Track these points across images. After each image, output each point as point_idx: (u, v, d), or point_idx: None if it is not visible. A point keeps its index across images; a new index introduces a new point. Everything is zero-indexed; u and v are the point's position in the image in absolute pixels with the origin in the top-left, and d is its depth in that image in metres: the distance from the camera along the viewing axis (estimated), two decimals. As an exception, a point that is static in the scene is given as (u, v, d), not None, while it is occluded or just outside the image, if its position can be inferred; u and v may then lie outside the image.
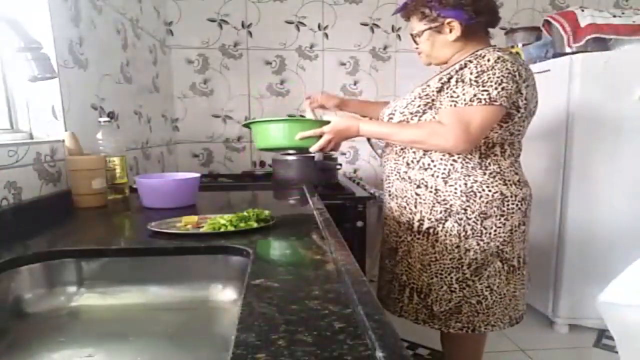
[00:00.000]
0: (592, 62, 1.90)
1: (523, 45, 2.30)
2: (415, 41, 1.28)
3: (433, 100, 1.17)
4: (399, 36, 2.59)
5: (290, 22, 2.52)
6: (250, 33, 2.50)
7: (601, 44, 1.96)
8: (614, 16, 1.96)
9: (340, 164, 2.09)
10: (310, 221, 1.00)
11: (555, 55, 2.08)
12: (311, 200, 1.24)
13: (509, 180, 1.19)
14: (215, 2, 2.44)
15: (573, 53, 1.96)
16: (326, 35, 2.55)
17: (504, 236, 1.20)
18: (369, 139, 1.45)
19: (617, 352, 1.26)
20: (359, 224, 1.70)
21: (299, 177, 1.85)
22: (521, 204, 1.21)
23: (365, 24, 2.57)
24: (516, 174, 1.22)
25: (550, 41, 2.13)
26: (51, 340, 0.70)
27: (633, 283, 1.20)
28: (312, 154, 1.87)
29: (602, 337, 2.01)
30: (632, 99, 1.90)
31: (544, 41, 2.18)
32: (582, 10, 2.00)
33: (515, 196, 1.20)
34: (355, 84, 2.61)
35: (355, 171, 2.69)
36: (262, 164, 2.60)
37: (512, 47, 2.32)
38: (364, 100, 1.56)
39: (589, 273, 1.99)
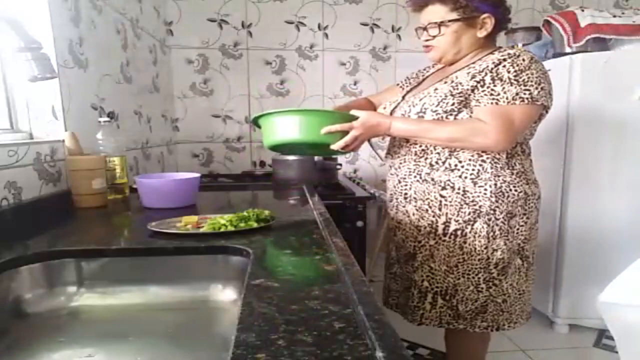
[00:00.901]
0: (592, 62, 1.90)
1: (523, 45, 2.29)
2: (440, 30, 1.16)
3: (467, 98, 1.13)
4: (399, 36, 2.59)
5: (290, 22, 2.52)
6: (250, 33, 2.50)
7: (601, 44, 1.96)
8: (614, 16, 1.96)
9: (340, 164, 2.10)
10: (310, 221, 1.00)
11: (555, 55, 2.08)
12: (311, 200, 1.24)
13: (529, 179, 1.20)
14: (215, 2, 2.44)
15: (573, 53, 1.96)
16: (326, 35, 2.55)
17: (525, 234, 1.21)
18: (368, 139, 1.44)
19: (617, 352, 1.27)
20: (359, 224, 1.70)
21: (299, 177, 1.85)
22: (537, 202, 1.23)
23: (365, 24, 2.57)
24: (532, 172, 1.23)
25: (550, 41, 2.13)
26: (51, 340, 0.70)
27: (633, 283, 1.20)
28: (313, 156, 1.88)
29: (602, 337, 2.01)
30: (632, 99, 1.90)
31: (544, 41, 2.18)
32: (582, 10, 2.00)
33: (534, 194, 1.21)
34: (355, 84, 2.61)
35: (355, 171, 2.69)
36: (262, 164, 2.60)
37: (512, 47, 2.31)
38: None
39: (589, 273, 1.99)
